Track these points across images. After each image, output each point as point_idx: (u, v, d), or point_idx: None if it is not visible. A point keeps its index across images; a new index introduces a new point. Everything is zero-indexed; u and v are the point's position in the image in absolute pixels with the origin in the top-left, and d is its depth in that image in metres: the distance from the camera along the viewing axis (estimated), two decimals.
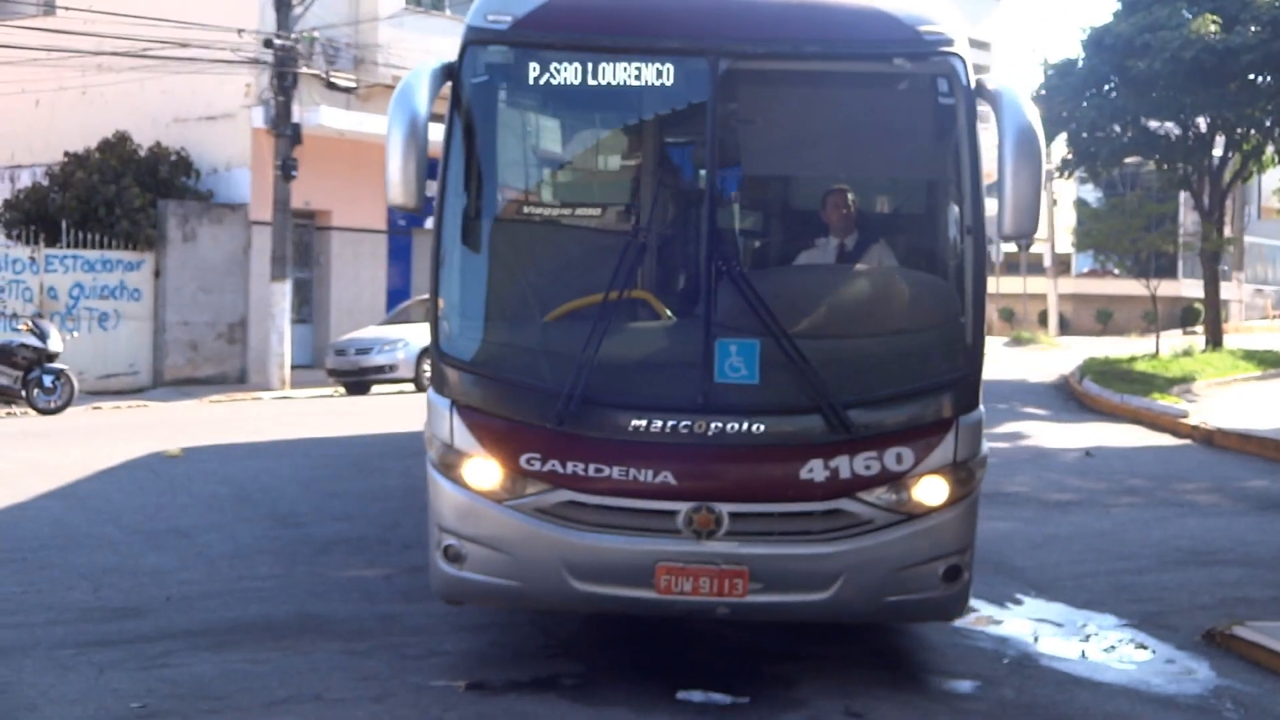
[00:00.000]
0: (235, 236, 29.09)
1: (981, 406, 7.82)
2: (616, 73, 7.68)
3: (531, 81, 7.87)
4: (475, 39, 7.87)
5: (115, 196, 27.63)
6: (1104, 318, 59.66)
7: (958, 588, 7.85)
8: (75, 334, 26.13)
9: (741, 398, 7.42)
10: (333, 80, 28.21)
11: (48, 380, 22.35)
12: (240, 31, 26.44)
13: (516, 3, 7.85)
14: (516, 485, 7.58)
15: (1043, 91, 33.51)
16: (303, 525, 12.46)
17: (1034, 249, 51.63)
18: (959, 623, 9.69)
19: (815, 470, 7.44)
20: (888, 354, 7.82)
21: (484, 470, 7.63)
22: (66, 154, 29.06)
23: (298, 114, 27.29)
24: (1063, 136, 33.77)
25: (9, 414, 22.54)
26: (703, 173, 7.74)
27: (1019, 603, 10.42)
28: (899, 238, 8.51)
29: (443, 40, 21.87)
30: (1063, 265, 58.39)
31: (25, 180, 30.29)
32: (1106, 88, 32.88)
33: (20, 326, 23.96)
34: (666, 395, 7.49)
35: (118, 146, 28.89)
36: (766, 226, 8.84)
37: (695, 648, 8.90)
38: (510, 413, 7.61)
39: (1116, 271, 50.12)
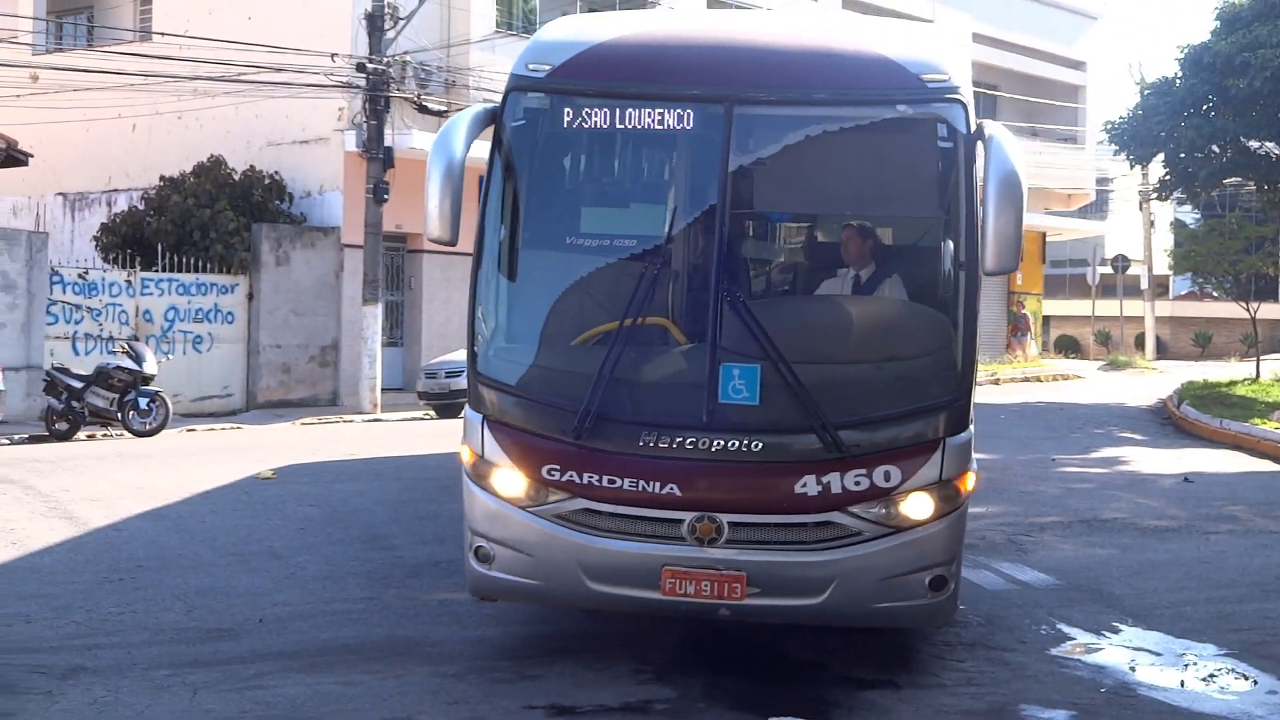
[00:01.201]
0: (327, 260, 29.31)
1: (971, 428, 8.36)
2: (640, 117, 8.42)
3: (565, 124, 8.63)
4: (516, 85, 8.69)
5: (210, 220, 27.91)
6: (1202, 341, 58.93)
7: (943, 597, 8.37)
8: (170, 357, 26.40)
9: (743, 417, 8.02)
10: (424, 104, 28.33)
11: (143, 402, 22.58)
12: (333, 56, 26.65)
13: (555, 53, 8.70)
14: (538, 493, 8.31)
15: (1139, 112, 33.15)
16: (394, 548, 12.48)
17: (1131, 271, 51.02)
18: (1055, 651, 9.60)
19: (809, 485, 8.03)
20: (880, 379, 8.37)
21: (510, 479, 8.38)
22: (162, 178, 29.41)
23: (390, 137, 27.47)
24: (1159, 158, 33.38)
25: (105, 436, 22.82)
26: (716, 210, 8.27)
27: (1116, 631, 10.26)
28: (900, 272, 8.96)
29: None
30: (1160, 288, 57.78)
31: (122, 204, 30.70)
32: (1205, 107, 32.45)
33: (116, 349, 24.25)
34: (674, 414, 8.11)
35: (212, 170, 29.20)
36: (774, 260, 9.48)
37: (791, 678, 8.82)
38: (534, 427, 8.33)
39: (1215, 294, 49.50)
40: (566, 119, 8.60)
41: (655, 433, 8.04)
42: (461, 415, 8.95)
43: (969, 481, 8.43)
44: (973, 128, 8.39)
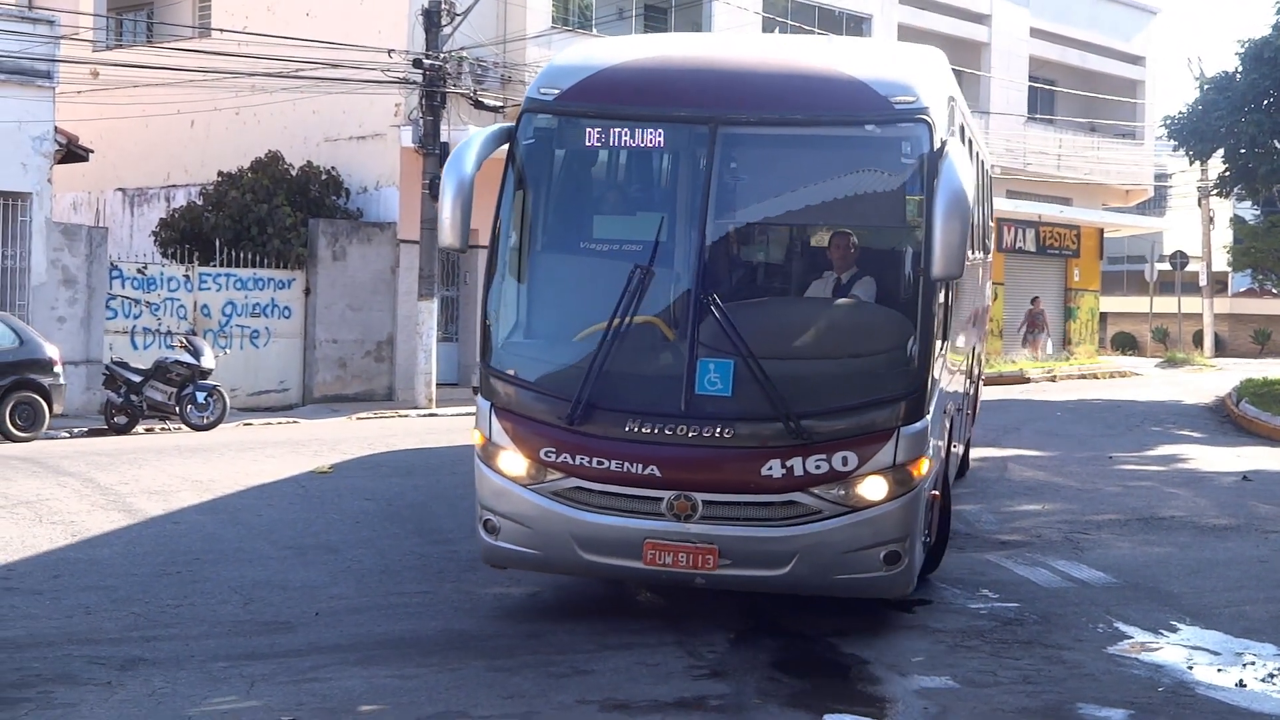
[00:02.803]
0: (383, 255, 29.41)
1: (927, 417, 9.22)
2: (635, 136, 9.49)
3: (570, 142, 9.80)
4: (529, 107, 9.79)
5: (267, 215, 28.03)
6: (1261, 338, 58.37)
7: (898, 570, 9.20)
8: (227, 351, 26.52)
9: (716, 407, 8.96)
10: (480, 99, 28.37)
11: (201, 397, 22.72)
12: (390, 52, 26.73)
13: (563, 78, 9.81)
14: (537, 473, 9.33)
15: (1199, 107, 32.84)
16: (449, 542, 12.53)
17: (1189, 268, 50.57)
18: (1112, 649, 9.56)
19: (774, 468, 8.94)
20: (841, 373, 9.30)
21: (513, 460, 9.42)
22: (220, 173, 29.56)
23: (446, 133, 27.51)
24: (1219, 153, 33.05)
25: (163, 429, 22.98)
26: (700, 219, 9.24)
27: (1174, 629, 10.19)
28: (866, 277, 9.72)
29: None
30: (1219, 284, 57.25)
31: (180, 200, 30.89)
32: (1266, 103, 32.10)
33: (175, 344, 24.41)
34: (656, 403, 9.08)
35: (270, 166, 29.32)
36: (751, 265, 10.12)
37: (845, 674, 8.84)
38: (534, 414, 9.38)
39: (1275, 291, 49.01)
40: (572, 137, 9.75)
41: (639, 420, 9.03)
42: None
43: (923, 466, 9.24)
44: (937, 145, 9.19)
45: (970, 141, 13.73)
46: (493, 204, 9.69)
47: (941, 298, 9.63)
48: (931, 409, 9.39)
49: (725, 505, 9.03)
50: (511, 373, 9.53)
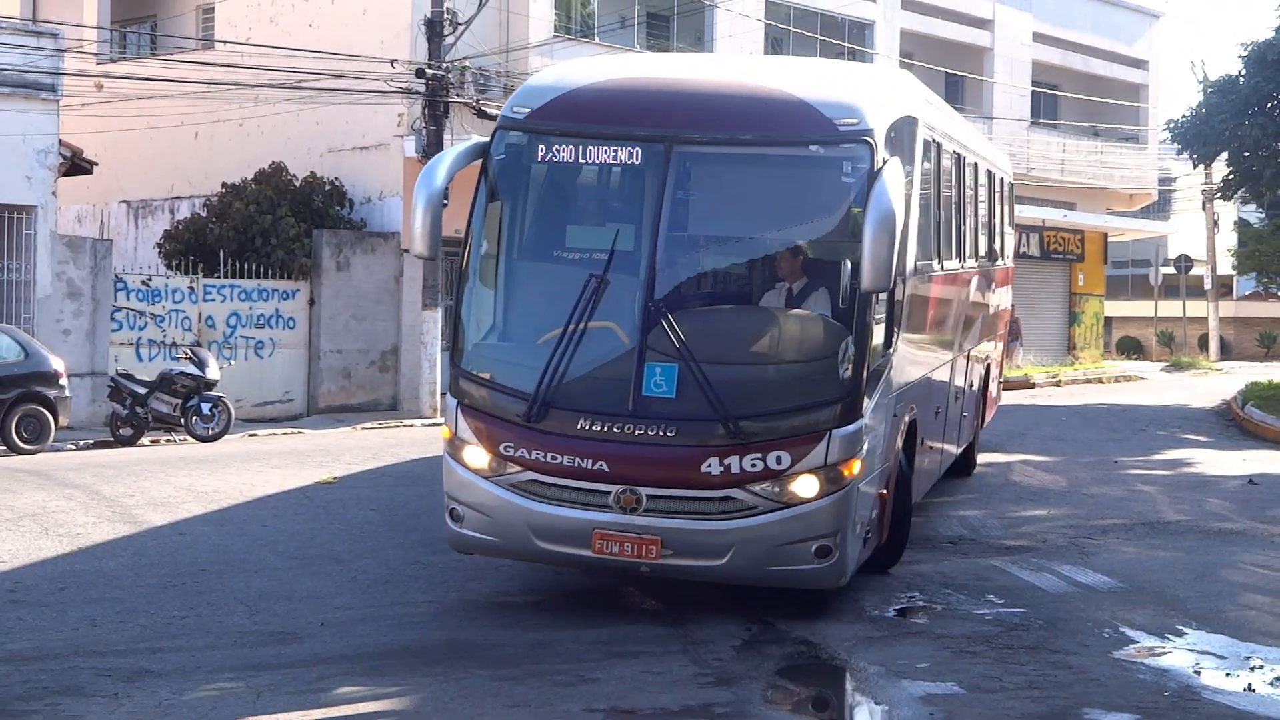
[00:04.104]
0: (388, 265, 29.41)
1: (861, 420, 9.73)
2: (598, 153, 10.15)
3: (539, 158, 10.36)
4: (502, 124, 10.46)
5: (271, 226, 28.05)
6: (1267, 341, 58.30)
7: (828, 564, 9.71)
8: (232, 362, 26.54)
9: (661, 408, 9.59)
10: (484, 109, 28.40)
11: (206, 408, 22.73)
12: (393, 62, 26.75)
13: (535, 97, 10.49)
14: (497, 466, 9.99)
15: (1202, 110, 32.81)
16: (453, 552, 12.50)
17: (1194, 271, 50.50)
18: (1118, 654, 9.55)
19: (713, 466, 9.52)
20: (778, 378, 9.97)
21: (476, 454, 10.10)
22: (224, 185, 29.58)
23: (449, 142, 27.40)
24: (1223, 157, 33.01)
25: (169, 441, 22.99)
26: (655, 232, 9.87)
27: (1180, 634, 10.19)
28: (807, 288, 10.17)
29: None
30: (1224, 288, 57.18)
31: (184, 211, 30.91)
32: (1269, 105, 32.07)
33: (180, 355, 24.43)
34: (606, 403, 9.73)
35: (273, 177, 29.33)
36: (702, 275, 10.48)
37: (851, 681, 8.81)
38: (495, 411, 10.05)
39: None
40: (540, 154, 10.34)
41: (590, 418, 9.68)
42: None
43: (855, 466, 9.76)
44: (878, 164, 9.72)
45: (959, 156, 14.26)
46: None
47: (884, 308, 10.25)
48: (869, 413, 9.90)
49: (667, 499, 9.62)
50: (477, 373, 10.22)
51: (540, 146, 10.31)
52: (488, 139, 10.51)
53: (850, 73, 12.77)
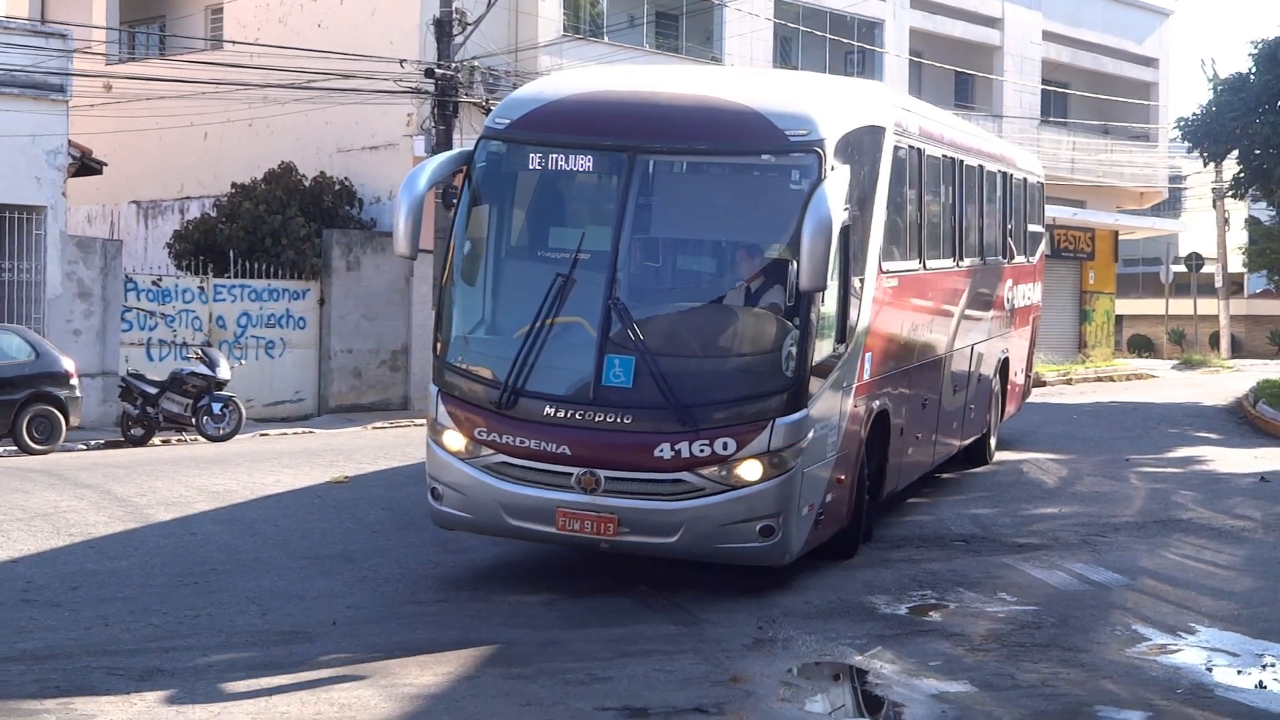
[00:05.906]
0: (398, 264, 29.32)
1: (804, 410, 10.44)
2: (568, 161, 10.96)
3: (516, 166, 11.28)
4: (485, 134, 11.30)
5: (281, 226, 28.07)
6: (1278, 339, 58.20)
7: (772, 542, 10.44)
8: (243, 362, 26.55)
9: (619, 397, 10.37)
10: (492, 108, 28.39)
11: (216, 408, 22.75)
12: (402, 62, 26.73)
13: (515, 109, 11.37)
14: (472, 449, 10.82)
15: (1212, 108, 32.73)
16: (465, 550, 12.52)
17: (1205, 269, 50.35)
18: (1130, 652, 9.54)
19: (665, 450, 10.29)
20: (726, 370, 10.73)
21: (453, 438, 10.95)
22: (234, 185, 29.59)
23: (458, 142, 27.42)
24: (1234, 155, 32.90)
25: (180, 441, 23.01)
26: (618, 234, 10.63)
27: (1192, 631, 10.18)
28: (758, 287, 10.86)
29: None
30: (1235, 286, 57.05)
31: (194, 211, 30.91)
32: None
33: (190, 355, 24.44)
34: (569, 392, 10.56)
35: (283, 177, 29.35)
36: (660, 274, 11.30)
37: (863, 679, 8.81)
38: (471, 399, 10.90)
39: None
40: (517, 162, 11.24)
41: (555, 406, 10.49)
42: None
43: (798, 453, 10.45)
44: (826, 173, 10.44)
45: (953, 160, 14.87)
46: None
47: (836, 305, 10.91)
48: (815, 403, 10.60)
49: (624, 481, 10.39)
50: (455, 364, 11.08)
51: (518, 155, 11.20)
52: (471, 148, 11.30)
53: (811, 85, 13.11)
